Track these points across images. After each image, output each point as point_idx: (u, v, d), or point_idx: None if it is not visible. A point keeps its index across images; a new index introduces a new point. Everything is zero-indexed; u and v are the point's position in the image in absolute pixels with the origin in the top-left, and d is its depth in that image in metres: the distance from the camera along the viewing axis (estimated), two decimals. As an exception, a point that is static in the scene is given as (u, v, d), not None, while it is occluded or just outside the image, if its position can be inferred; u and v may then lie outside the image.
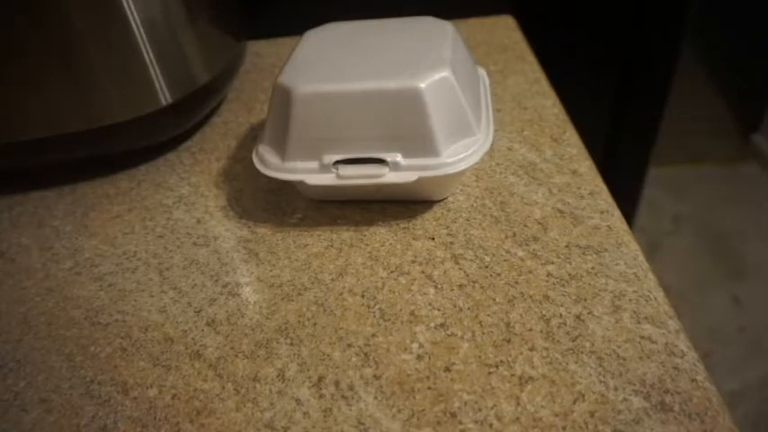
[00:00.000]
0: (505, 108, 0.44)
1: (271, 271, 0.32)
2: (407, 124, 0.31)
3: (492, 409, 0.25)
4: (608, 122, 0.75)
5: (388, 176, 0.32)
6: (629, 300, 0.29)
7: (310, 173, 0.33)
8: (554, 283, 0.30)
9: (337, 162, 0.32)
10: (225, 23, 0.47)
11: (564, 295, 0.29)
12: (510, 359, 0.26)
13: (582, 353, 0.26)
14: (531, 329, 0.27)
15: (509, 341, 0.27)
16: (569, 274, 0.30)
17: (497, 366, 0.26)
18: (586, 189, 0.35)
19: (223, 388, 0.27)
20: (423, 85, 0.31)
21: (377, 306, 0.29)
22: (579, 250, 0.31)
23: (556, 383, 0.25)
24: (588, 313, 0.28)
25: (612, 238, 0.32)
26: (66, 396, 0.27)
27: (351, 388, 0.26)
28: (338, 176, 0.32)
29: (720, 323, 1.08)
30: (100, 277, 0.34)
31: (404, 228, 0.34)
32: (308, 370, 0.27)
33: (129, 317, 0.31)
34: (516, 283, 0.30)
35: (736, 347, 1.04)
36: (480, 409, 0.25)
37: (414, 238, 0.33)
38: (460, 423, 0.24)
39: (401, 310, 0.29)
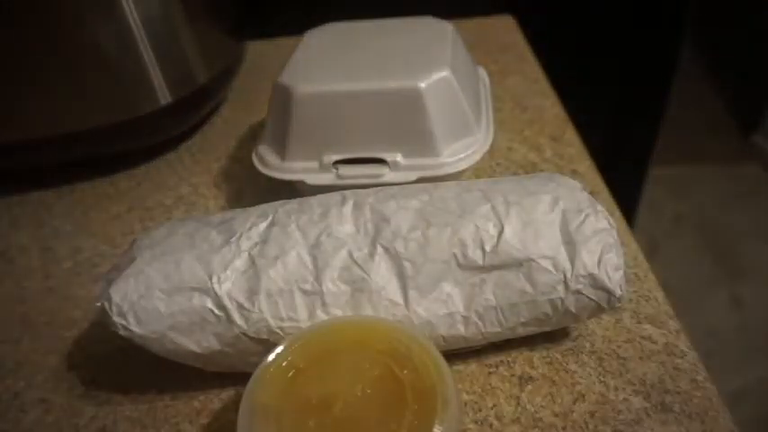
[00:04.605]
0: (505, 108, 0.44)
1: (270, 271, 0.32)
2: (407, 124, 0.31)
3: (492, 409, 0.24)
4: (608, 122, 0.75)
5: (388, 176, 0.32)
6: (629, 300, 0.28)
7: (310, 173, 0.33)
8: (554, 283, 0.29)
9: (337, 162, 0.32)
10: (225, 23, 0.47)
11: (564, 295, 0.29)
12: (510, 359, 0.26)
13: (582, 353, 0.26)
14: (531, 329, 0.27)
15: (509, 341, 0.27)
16: (569, 274, 0.30)
17: (497, 366, 0.26)
18: (586, 189, 0.35)
19: (223, 388, 0.27)
20: (423, 85, 0.31)
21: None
22: (579, 250, 0.31)
23: (556, 383, 0.25)
24: (588, 313, 0.28)
25: (612, 238, 0.32)
26: (65, 396, 0.27)
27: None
28: (338, 176, 0.32)
29: (720, 323, 1.08)
30: (99, 277, 0.34)
31: (404, 228, 0.34)
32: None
33: (129, 317, 0.31)
34: (516, 283, 0.30)
35: (736, 347, 1.04)
36: (480, 409, 0.25)
37: (414, 238, 0.33)
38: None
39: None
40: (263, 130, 0.36)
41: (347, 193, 0.27)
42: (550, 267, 0.23)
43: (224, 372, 0.26)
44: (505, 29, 0.56)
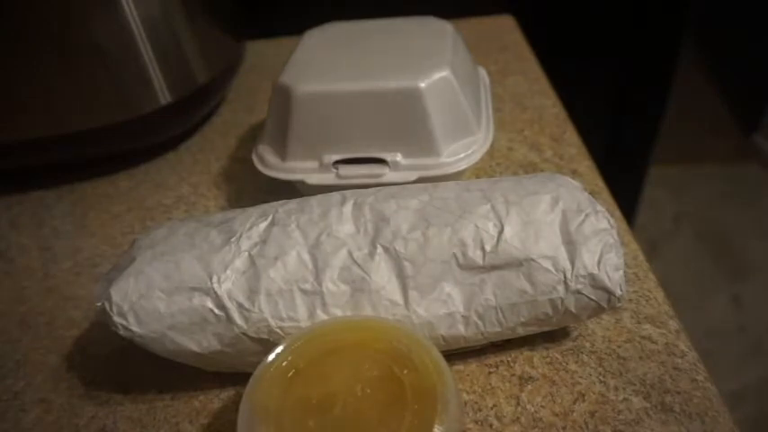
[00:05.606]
0: (505, 108, 0.44)
1: (270, 271, 0.32)
2: (407, 124, 0.31)
3: (492, 408, 0.24)
4: (608, 122, 0.75)
5: (388, 176, 0.32)
6: (629, 300, 0.28)
7: (310, 172, 0.33)
8: (554, 283, 0.29)
9: (337, 162, 0.32)
10: (225, 23, 0.47)
11: (564, 295, 0.29)
12: (510, 359, 0.26)
13: (582, 353, 0.26)
14: (531, 329, 0.27)
15: (509, 341, 0.27)
16: (569, 274, 0.30)
17: (497, 366, 0.26)
18: (586, 189, 0.35)
19: (223, 388, 0.27)
20: (423, 85, 0.31)
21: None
22: (579, 250, 0.31)
23: (556, 383, 0.25)
24: (588, 313, 0.28)
25: (612, 238, 0.32)
26: (65, 396, 0.27)
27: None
28: (338, 176, 0.32)
29: (720, 323, 1.08)
30: (99, 277, 0.34)
31: (404, 228, 0.34)
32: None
33: (129, 317, 0.31)
34: (516, 283, 0.30)
35: (736, 347, 1.04)
36: (480, 409, 0.25)
37: (414, 238, 0.33)
38: (460, 423, 0.24)
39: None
40: (263, 130, 0.36)
41: (347, 193, 0.27)
42: (550, 267, 0.23)
43: (224, 372, 0.26)
44: (505, 29, 0.56)
